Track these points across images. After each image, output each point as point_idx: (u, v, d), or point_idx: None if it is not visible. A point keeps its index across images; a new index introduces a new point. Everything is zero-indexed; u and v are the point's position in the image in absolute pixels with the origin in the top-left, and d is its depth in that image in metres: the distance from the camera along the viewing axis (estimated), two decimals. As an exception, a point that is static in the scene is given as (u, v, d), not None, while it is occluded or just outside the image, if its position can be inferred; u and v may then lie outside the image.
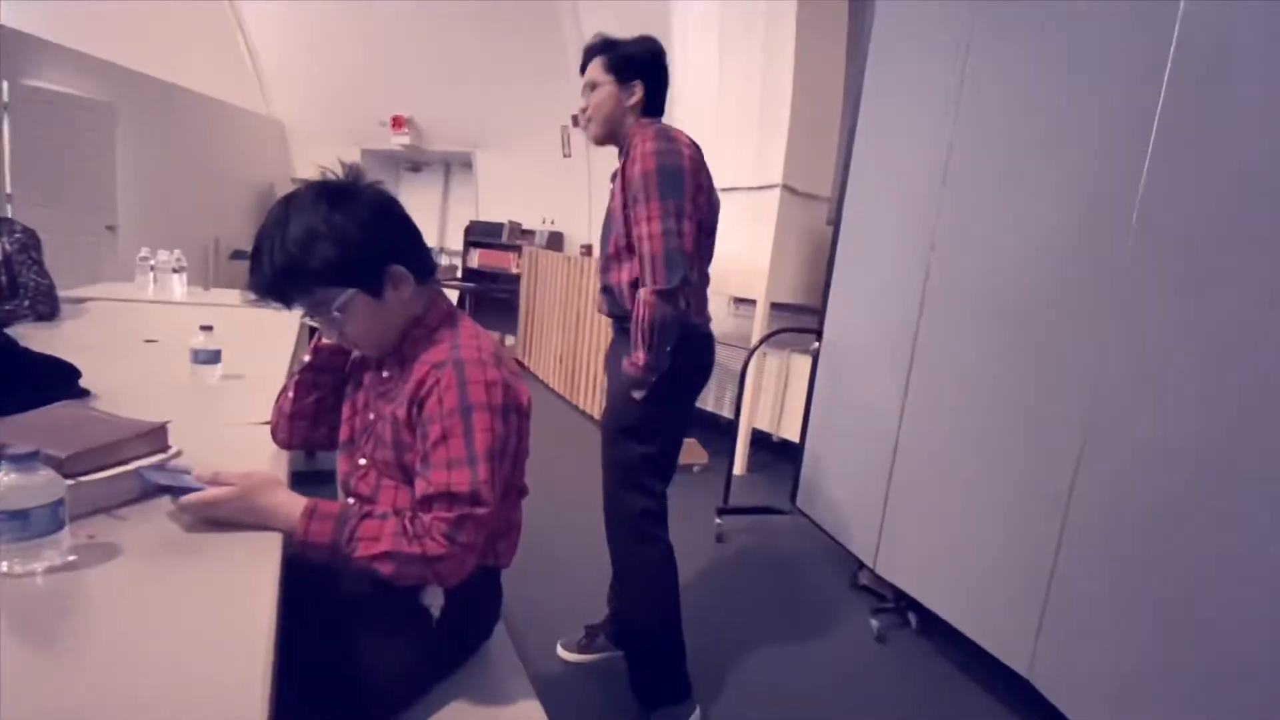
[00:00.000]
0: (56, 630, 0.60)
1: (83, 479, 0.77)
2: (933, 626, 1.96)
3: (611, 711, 1.53)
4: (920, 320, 1.98)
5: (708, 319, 1.50)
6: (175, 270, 2.66)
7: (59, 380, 1.16)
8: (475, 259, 6.23)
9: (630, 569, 1.48)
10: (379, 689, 0.85)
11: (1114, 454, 1.42)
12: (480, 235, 6.18)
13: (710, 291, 1.57)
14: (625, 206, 1.37)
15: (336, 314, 0.86)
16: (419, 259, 0.92)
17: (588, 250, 5.35)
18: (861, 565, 2.24)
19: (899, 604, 2.06)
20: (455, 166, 6.86)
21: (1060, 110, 1.58)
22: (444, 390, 0.84)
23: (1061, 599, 1.52)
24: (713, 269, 1.56)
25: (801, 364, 3.26)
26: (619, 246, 1.41)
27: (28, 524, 0.64)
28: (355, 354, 1.05)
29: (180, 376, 1.44)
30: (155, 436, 0.89)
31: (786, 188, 3.21)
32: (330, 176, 0.89)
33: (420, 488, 0.84)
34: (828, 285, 2.52)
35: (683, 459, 3.27)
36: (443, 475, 0.82)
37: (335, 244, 0.83)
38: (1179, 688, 1.24)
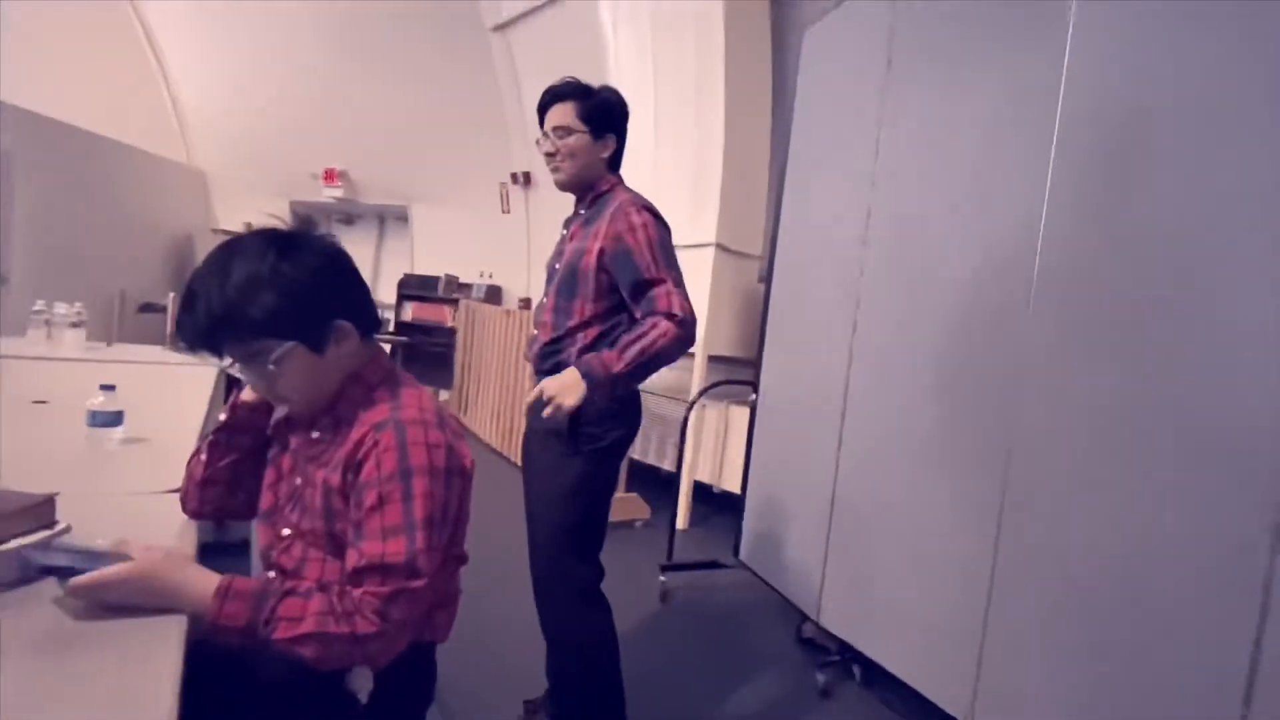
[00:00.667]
0: None
1: (-51, 563, 0.67)
2: (877, 677, 1.96)
3: (554, 793, 1.43)
4: (850, 372, 2.07)
5: None
6: (74, 324, 2.46)
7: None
8: (409, 312, 6.09)
9: (574, 642, 1.41)
10: None
11: (1036, 498, 1.49)
12: (415, 289, 6.06)
13: None
14: (600, 265, 1.36)
15: (272, 367, 0.81)
16: (365, 314, 0.89)
17: (526, 304, 5.33)
18: (805, 618, 2.24)
19: (844, 656, 2.06)
20: (390, 219, 6.77)
21: (963, 170, 1.73)
22: (382, 453, 0.80)
23: (996, 644, 1.55)
24: None
25: (740, 415, 3.32)
26: (585, 300, 1.38)
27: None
28: (279, 413, 0.99)
29: (74, 441, 1.31)
30: (40, 511, 0.79)
31: (720, 246, 3.33)
32: (279, 225, 0.86)
33: (351, 559, 0.78)
34: (762, 340, 2.60)
35: (624, 514, 3.23)
36: (377, 546, 0.77)
37: (279, 294, 0.79)
38: (1109, 726, 1.28)
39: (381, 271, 6.69)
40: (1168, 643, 1.18)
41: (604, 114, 1.43)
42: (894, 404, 1.90)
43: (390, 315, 6.21)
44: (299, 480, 0.90)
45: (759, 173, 3.50)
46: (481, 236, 6.05)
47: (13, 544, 0.74)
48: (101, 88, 5.59)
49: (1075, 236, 1.44)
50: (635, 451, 3.58)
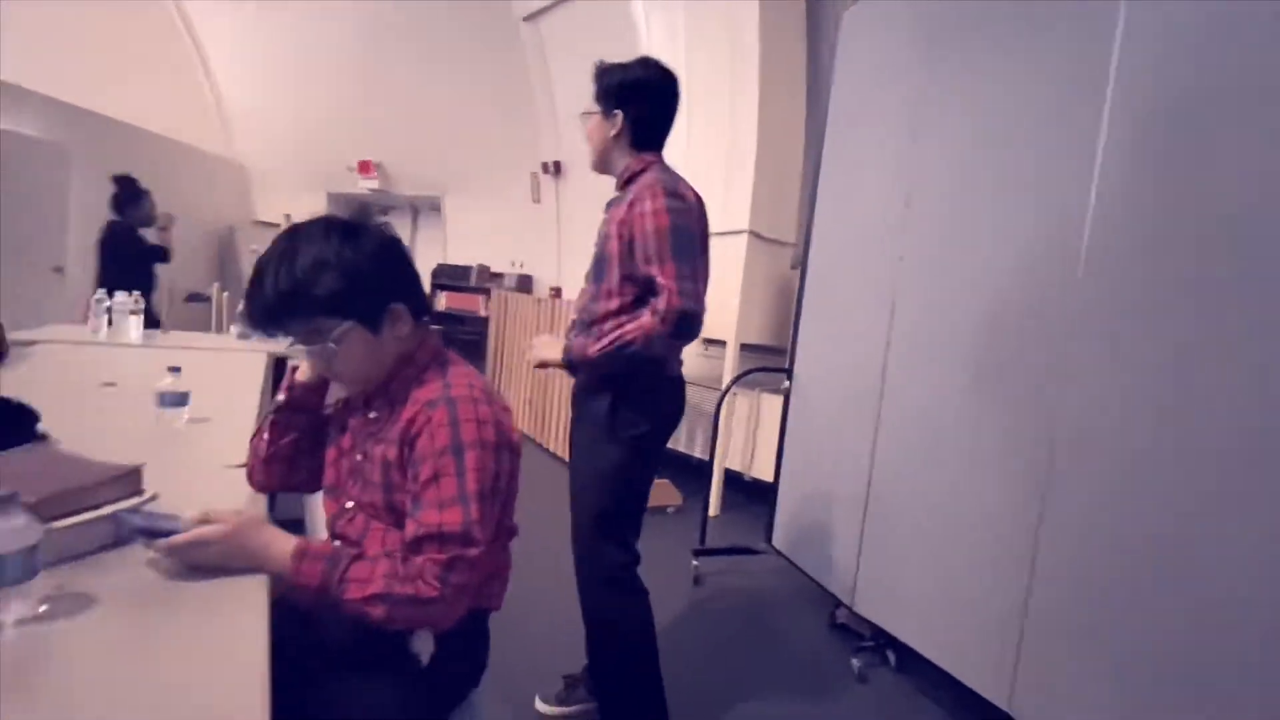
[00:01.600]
0: (34, 688, 0.56)
1: (52, 525, 0.73)
2: (912, 664, 1.96)
3: (594, 765, 1.47)
4: (887, 358, 2.05)
5: (680, 363, 1.51)
6: (133, 312, 2.57)
7: (15, 423, 1.10)
8: (442, 301, 6.19)
9: (608, 623, 1.44)
10: None
11: (1079, 484, 1.48)
12: (448, 278, 6.16)
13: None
14: (624, 250, 1.35)
15: (332, 345, 0.86)
16: (418, 299, 0.93)
17: (557, 292, 5.38)
18: (839, 604, 2.24)
19: (878, 642, 2.06)
20: (423, 210, 6.88)
21: (1009, 153, 1.70)
22: (435, 429, 0.84)
23: (1037, 630, 1.55)
24: None
25: (771, 403, 3.32)
26: (610, 289, 1.38)
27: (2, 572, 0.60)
28: (335, 397, 1.03)
29: (144, 420, 1.38)
30: (129, 479, 0.85)
31: (753, 233, 3.32)
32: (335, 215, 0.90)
33: (410, 529, 0.82)
34: (796, 327, 2.59)
35: (656, 501, 3.26)
36: (434, 515, 0.81)
37: (342, 275, 0.83)
38: (1157, 710, 1.27)
39: (416, 261, 6.80)
40: (1218, 630, 1.17)
41: (606, 91, 1.43)
42: (933, 391, 1.89)
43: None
44: (359, 457, 0.94)
45: (793, 160, 3.47)
46: (513, 226, 6.12)
47: (107, 509, 0.79)
48: (145, 83, 5.77)
49: (1124, 220, 1.41)
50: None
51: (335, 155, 6.34)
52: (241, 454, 1.23)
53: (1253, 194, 1.18)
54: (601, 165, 1.48)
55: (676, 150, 3.57)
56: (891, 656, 2.04)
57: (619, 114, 1.41)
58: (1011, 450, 1.64)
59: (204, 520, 0.76)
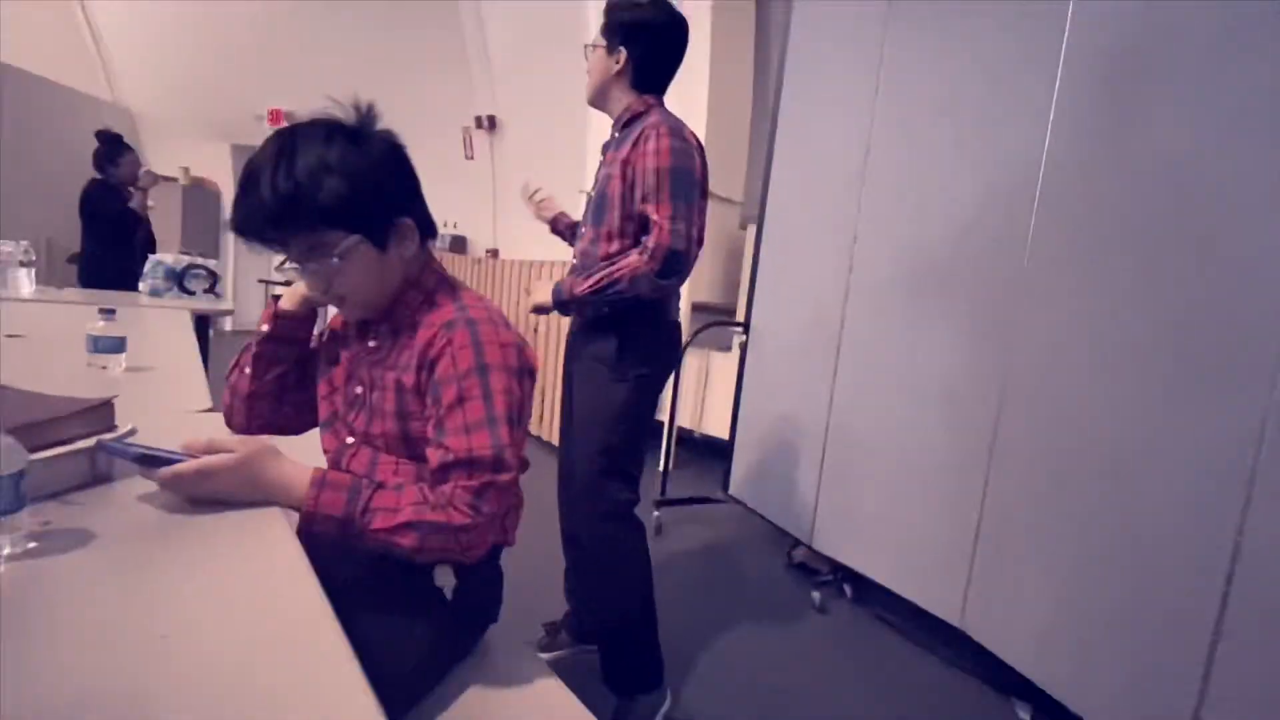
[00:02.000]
0: (35, 626, 0.48)
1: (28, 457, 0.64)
2: (869, 594, 2.09)
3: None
4: (845, 308, 2.13)
5: (678, 309, 1.52)
6: (23, 264, 2.27)
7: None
8: (367, 265, 5.85)
9: (610, 559, 1.43)
10: (397, 677, 0.77)
11: (1026, 419, 1.60)
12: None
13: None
14: (626, 190, 1.34)
15: (335, 260, 0.78)
16: (425, 217, 0.87)
17: (494, 254, 5.20)
18: (795, 544, 2.35)
19: (836, 575, 2.18)
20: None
21: (966, 107, 1.78)
22: (457, 350, 0.79)
23: (986, 550, 1.68)
24: None
25: (721, 360, 3.37)
26: (610, 231, 1.37)
27: (-15, 499, 0.52)
28: (323, 326, 0.96)
29: (73, 369, 1.23)
30: (101, 413, 0.75)
31: (703, 190, 3.32)
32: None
33: (437, 456, 0.77)
34: (752, 283, 2.64)
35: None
36: (462, 440, 0.76)
37: (347, 181, 0.75)
38: (1093, 620, 1.41)
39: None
40: (1154, 534, 1.30)
41: (614, 26, 1.40)
42: (890, 334, 1.98)
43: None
44: (359, 389, 0.88)
45: (741, 120, 3.48)
46: (444, 184, 5.75)
47: (82, 443, 0.70)
48: (11, 15, 5.02)
49: (1077, 163, 1.51)
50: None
51: (240, 103, 5.78)
52: (198, 401, 1.14)
53: (1189, 144, 1.29)
54: (599, 100, 1.46)
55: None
56: (848, 589, 2.16)
57: (623, 51, 1.39)
58: (969, 381, 1.74)
59: (209, 449, 0.68)
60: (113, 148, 3.42)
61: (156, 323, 2.00)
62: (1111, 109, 1.44)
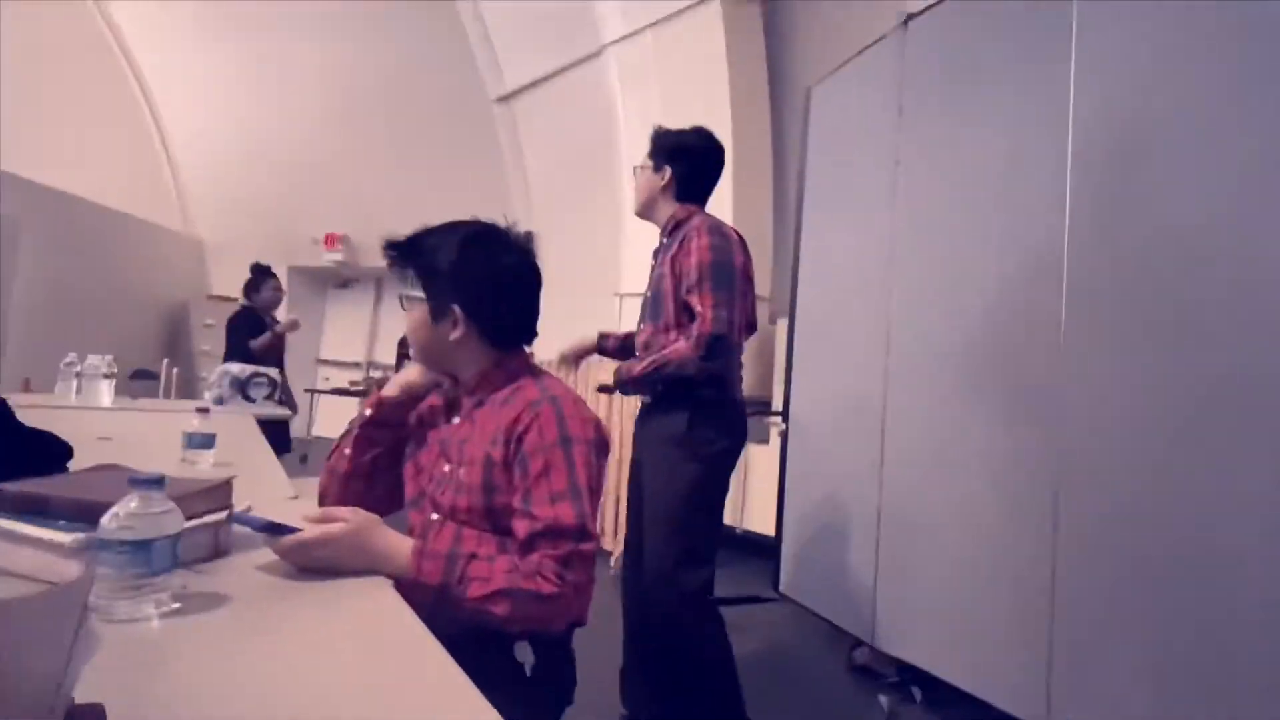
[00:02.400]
0: (193, 677, 0.52)
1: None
2: (940, 697, 1.95)
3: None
4: (887, 391, 2.16)
5: (741, 388, 1.67)
6: (106, 376, 2.44)
7: (46, 456, 1.03)
8: (408, 372, 6.08)
9: (692, 650, 1.41)
10: None
11: (1085, 499, 1.56)
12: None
13: None
14: (677, 288, 1.50)
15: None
16: (496, 323, 0.95)
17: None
18: (856, 644, 2.23)
19: (903, 678, 2.05)
20: (388, 281, 6.85)
21: (984, 199, 1.89)
22: (544, 424, 0.86)
23: (1065, 642, 1.58)
24: None
25: (760, 454, 3.37)
26: (669, 323, 1.52)
27: (149, 558, 0.57)
28: (419, 411, 1.03)
29: (166, 465, 1.31)
30: (221, 492, 0.81)
31: (733, 289, 3.47)
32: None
33: (524, 526, 0.81)
34: (788, 374, 2.70)
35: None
36: (548, 509, 0.81)
37: (441, 259, 0.91)
38: (1194, 699, 1.31)
39: (379, 332, 6.71)
40: (1242, 616, 1.24)
41: (659, 148, 1.66)
42: (934, 418, 1.99)
43: (392, 375, 6.21)
44: (447, 466, 0.94)
45: (763, 220, 3.70)
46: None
47: (208, 519, 0.76)
48: (100, 154, 5.72)
49: (1098, 243, 1.58)
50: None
51: (298, 228, 6.31)
52: (284, 491, 1.20)
53: (1197, 209, 1.37)
54: (647, 211, 1.69)
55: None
56: (917, 693, 2.02)
57: (668, 169, 1.63)
58: (1021, 466, 1.72)
59: (325, 519, 0.73)
60: (257, 277, 3.70)
61: (227, 429, 2.11)
62: (1123, 188, 1.53)
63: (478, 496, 0.88)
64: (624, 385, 1.53)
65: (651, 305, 1.59)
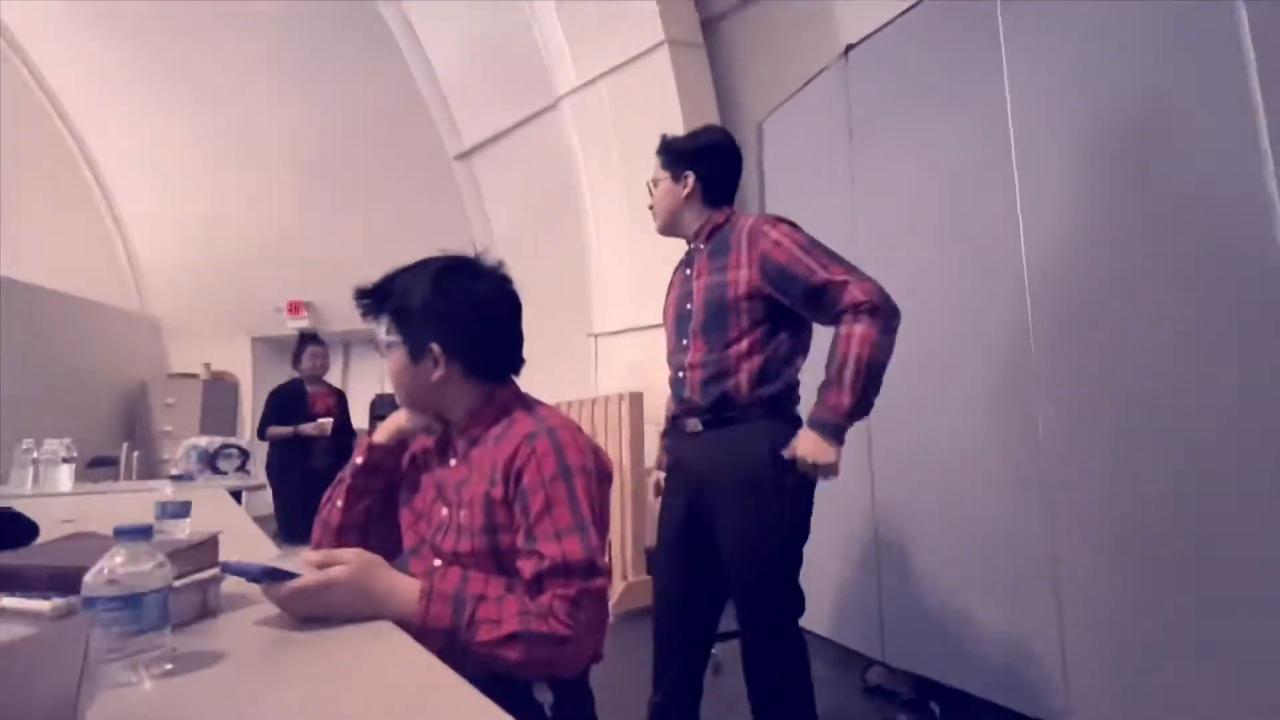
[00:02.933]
0: None
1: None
2: (958, 708, 1.91)
3: None
4: (869, 406, 2.18)
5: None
6: (65, 460, 2.32)
7: (16, 534, 0.97)
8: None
9: (790, 686, 1.32)
10: None
11: (1076, 489, 1.59)
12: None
13: (645, 421, 1.56)
14: (749, 295, 1.32)
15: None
16: (480, 358, 0.93)
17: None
18: (869, 665, 2.18)
19: (919, 694, 2.00)
20: (356, 344, 6.75)
21: (938, 213, 1.97)
22: (541, 458, 0.82)
23: (1077, 638, 1.58)
24: (648, 399, 1.46)
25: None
26: (739, 334, 1.33)
27: (139, 614, 0.53)
28: (410, 454, 1.00)
29: (139, 538, 1.24)
30: (207, 549, 0.77)
31: (706, 321, 3.51)
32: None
33: (530, 566, 0.79)
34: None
35: (650, 598, 3.11)
36: (555, 546, 0.78)
37: (414, 298, 0.88)
38: (1205, 677, 1.31)
39: (351, 395, 6.56)
40: (1246, 588, 1.25)
41: (676, 155, 1.49)
42: (919, 430, 2.01)
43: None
44: (444, 511, 0.90)
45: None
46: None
47: (194, 577, 0.71)
48: (49, 237, 5.58)
49: (1054, 247, 1.65)
50: (646, 537, 3.51)
51: (259, 298, 6.20)
52: (268, 551, 1.14)
53: (1151, 204, 1.45)
54: (672, 225, 1.52)
55: (627, 254, 3.83)
56: (935, 708, 1.97)
57: (690, 174, 1.46)
58: (1009, 467, 1.75)
59: (325, 563, 0.70)
60: (298, 345, 3.55)
61: (200, 501, 2.02)
62: (1072, 187, 1.61)
63: (481, 539, 0.84)
64: (840, 428, 1.23)
65: (711, 317, 1.36)
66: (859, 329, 1.23)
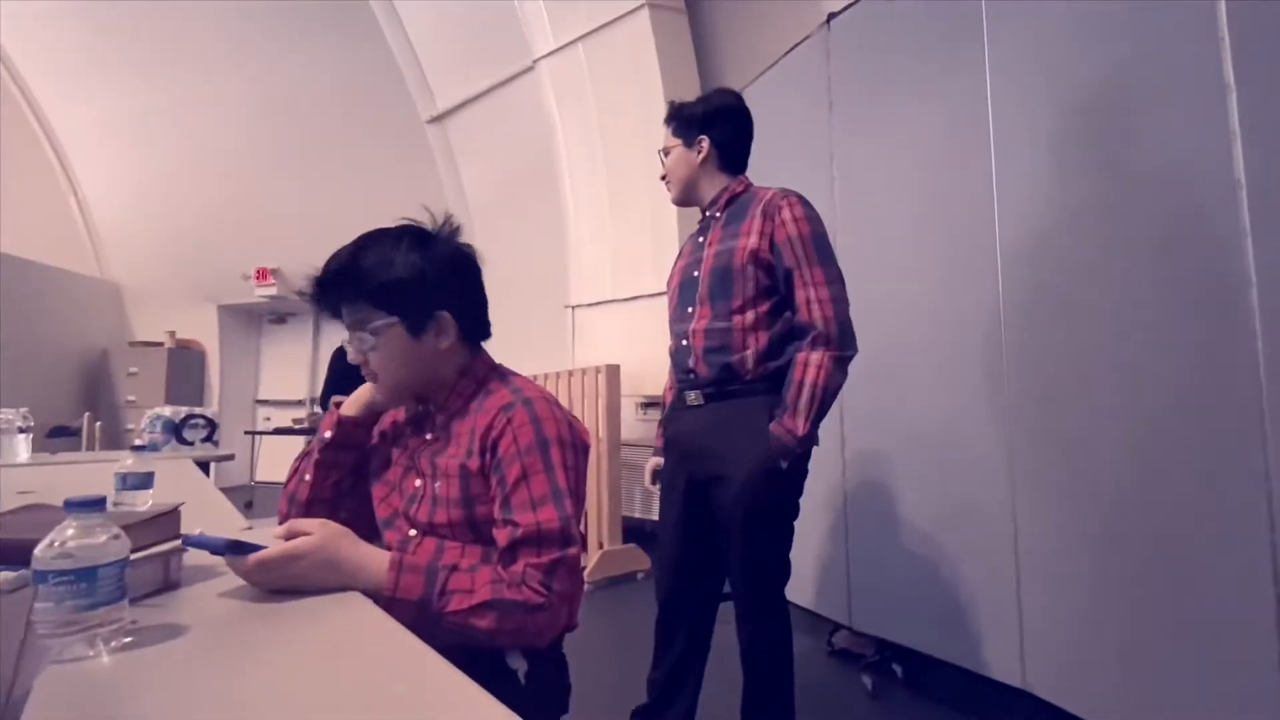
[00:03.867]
0: (174, 702, 0.47)
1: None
2: (921, 670, 1.99)
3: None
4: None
5: None
6: (21, 430, 2.25)
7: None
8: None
9: (778, 648, 1.39)
10: None
11: (1036, 454, 1.63)
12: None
13: (622, 394, 1.57)
14: (753, 263, 1.31)
15: (369, 336, 0.85)
16: (474, 319, 0.92)
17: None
18: (835, 629, 2.25)
19: (883, 655, 2.08)
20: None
21: (914, 189, 1.97)
22: (518, 429, 0.82)
23: (1033, 598, 1.64)
24: (625, 372, 1.46)
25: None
26: (744, 303, 1.32)
27: (94, 587, 0.52)
28: (380, 428, 0.98)
29: (100, 510, 1.21)
30: (169, 521, 0.76)
31: (683, 293, 3.50)
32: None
33: (505, 534, 0.78)
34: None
35: (625, 567, 3.16)
36: (529, 516, 0.78)
37: (398, 271, 0.84)
38: (1156, 650, 1.37)
39: (321, 368, 6.45)
40: (1189, 546, 1.31)
41: (688, 120, 1.43)
42: (890, 403, 2.04)
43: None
44: (418, 481, 0.90)
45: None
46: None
47: (156, 549, 0.70)
48: (4, 203, 5.32)
49: (1028, 226, 1.67)
50: (623, 506, 3.54)
51: (225, 265, 6.03)
52: (236, 522, 1.13)
53: (1116, 191, 1.46)
54: (688, 193, 1.46)
55: (604, 222, 3.78)
56: (898, 669, 2.05)
57: (704, 139, 1.41)
58: (976, 438, 1.79)
59: (290, 534, 0.69)
60: None
61: (164, 472, 1.97)
62: (1049, 162, 1.62)
63: (457, 510, 0.84)
64: (795, 451, 1.26)
65: (716, 282, 1.34)
66: (816, 356, 1.25)
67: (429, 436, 0.91)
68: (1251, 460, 1.21)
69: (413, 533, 0.87)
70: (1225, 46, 1.26)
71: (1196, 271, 1.32)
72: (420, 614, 0.70)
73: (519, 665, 0.82)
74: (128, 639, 0.55)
